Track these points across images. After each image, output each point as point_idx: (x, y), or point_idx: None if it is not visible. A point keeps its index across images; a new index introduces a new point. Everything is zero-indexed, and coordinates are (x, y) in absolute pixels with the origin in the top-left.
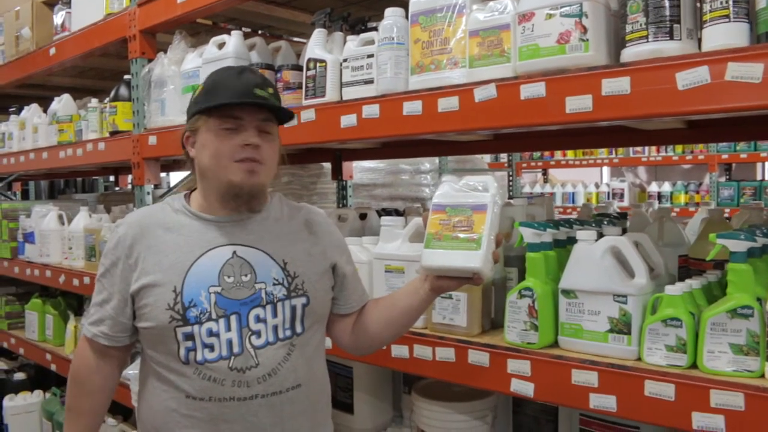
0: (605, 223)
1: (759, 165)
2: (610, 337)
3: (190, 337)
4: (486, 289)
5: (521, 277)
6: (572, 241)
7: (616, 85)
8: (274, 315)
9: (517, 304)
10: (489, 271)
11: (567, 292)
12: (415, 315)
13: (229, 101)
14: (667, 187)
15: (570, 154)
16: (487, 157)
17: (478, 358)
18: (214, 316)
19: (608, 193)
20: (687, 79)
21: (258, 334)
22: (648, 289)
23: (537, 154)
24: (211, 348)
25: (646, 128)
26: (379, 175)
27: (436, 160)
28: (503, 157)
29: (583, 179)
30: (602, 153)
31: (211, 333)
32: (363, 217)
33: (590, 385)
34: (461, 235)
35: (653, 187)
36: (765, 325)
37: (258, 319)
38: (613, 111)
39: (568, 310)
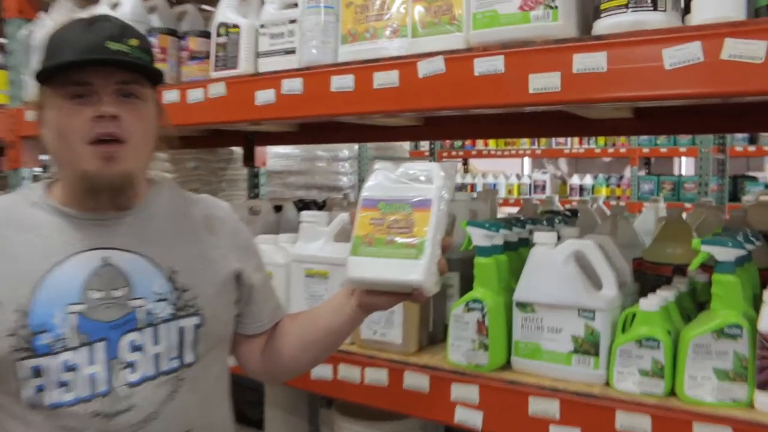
0: (557, 221)
1: (677, 160)
2: (574, 359)
3: (38, 372)
4: None
5: (464, 285)
6: (524, 244)
7: (591, 62)
8: (156, 341)
9: (463, 319)
10: (433, 285)
11: (523, 305)
12: (339, 336)
13: (70, 60)
14: (588, 179)
15: (492, 143)
16: (406, 145)
17: (415, 381)
18: (73, 344)
19: (530, 185)
20: (676, 56)
21: (132, 366)
22: (618, 302)
23: (458, 143)
24: (68, 387)
25: (590, 116)
26: (294, 162)
27: (356, 147)
28: (424, 145)
29: (504, 170)
30: (524, 143)
31: (68, 367)
32: (278, 209)
33: (550, 417)
34: (399, 240)
35: (575, 180)
36: (754, 347)
37: (133, 347)
38: (585, 91)
39: (524, 327)
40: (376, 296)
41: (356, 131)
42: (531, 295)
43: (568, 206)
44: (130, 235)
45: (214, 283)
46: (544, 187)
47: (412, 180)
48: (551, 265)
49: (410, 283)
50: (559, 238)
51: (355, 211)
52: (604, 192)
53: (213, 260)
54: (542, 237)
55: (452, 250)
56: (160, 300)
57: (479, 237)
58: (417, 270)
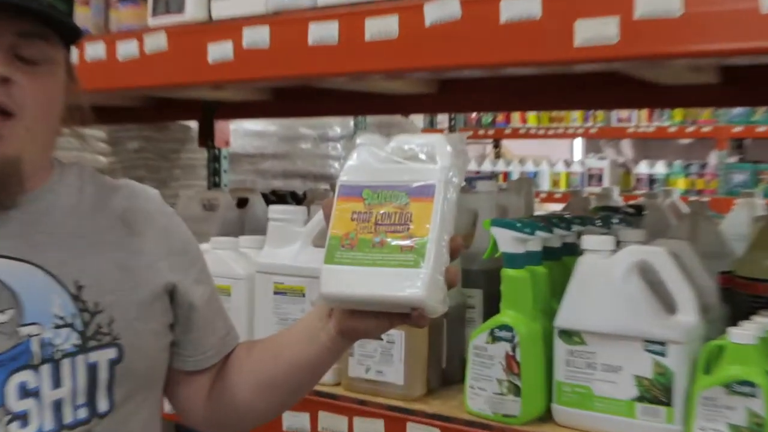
0: (616, 221)
1: None
2: (639, 408)
3: None
4: (435, 324)
5: (488, 306)
6: (569, 251)
7: (660, 2)
8: (57, 383)
9: (487, 352)
10: (439, 303)
11: (568, 335)
12: (313, 374)
13: None
14: (660, 167)
15: (532, 119)
16: (418, 120)
17: None
18: None
19: (582, 174)
20: None
21: (24, 419)
22: (698, 331)
23: (487, 119)
24: None
25: (661, 81)
26: (270, 143)
27: (351, 123)
28: (442, 120)
29: (549, 155)
30: (574, 119)
31: None
32: (242, 203)
33: None
34: (391, 241)
35: (642, 168)
36: None
37: (24, 392)
38: (652, 43)
39: (569, 364)
40: (362, 319)
41: (348, 100)
42: (579, 320)
43: (632, 202)
44: (18, 238)
45: (136, 303)
46: (600, 178)
47: (408, 158)
48: (607, 279)
49: (408, 301)
50: (618, 243)
51: (330, 201)
52: (681, 184)
53: (135, 270)
54: (594, 242)
55: (473, 260)
56: (61, 326)
57: (509, 241)
58: (417, 282)
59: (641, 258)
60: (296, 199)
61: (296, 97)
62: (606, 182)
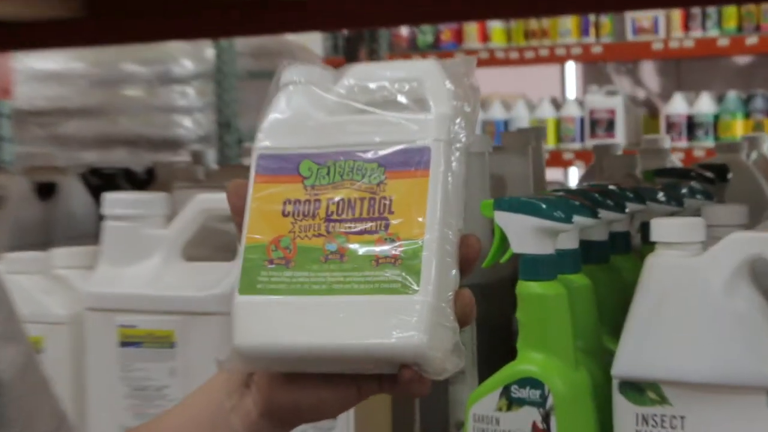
0: (691, 194)
1: None
2: None
3: None
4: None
5: (493, 348)
6: (622, 244)
7: None
8: None
9: (499, 426)
10: (448, 354)
11: (637, 389)
12: None
13: None
14: (706, 103)
15: (497, 36)
16: (314, 43)
17: None
18: None
19: (581, 120)
20: None
21: None
22: None
23: (425, 37)
24: None
25: None
26: (73, 91)
27: (208, 52)
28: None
29: (526, 91)
30: (566, 33)
31: None
32: (45, 191)
33: None
34: (357, 248)
35: (677, 105)
36: None
37: None
38: None
39: None
40: (308, 389)
41: (200, 13)
42: (654, 364)
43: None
44: None
45: None
46: (611, 125)
47: (378, 103)
48: (699, 292)
49: (396, 353)
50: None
51: (240, 184)
52: (739, 128)
53: None
54: (674, 230)
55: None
56: None
57: (528, 235)
58: (410, 318)
59: (755, 252)
60: (134, 181)
61: (119, 10)
62: (619, 131)
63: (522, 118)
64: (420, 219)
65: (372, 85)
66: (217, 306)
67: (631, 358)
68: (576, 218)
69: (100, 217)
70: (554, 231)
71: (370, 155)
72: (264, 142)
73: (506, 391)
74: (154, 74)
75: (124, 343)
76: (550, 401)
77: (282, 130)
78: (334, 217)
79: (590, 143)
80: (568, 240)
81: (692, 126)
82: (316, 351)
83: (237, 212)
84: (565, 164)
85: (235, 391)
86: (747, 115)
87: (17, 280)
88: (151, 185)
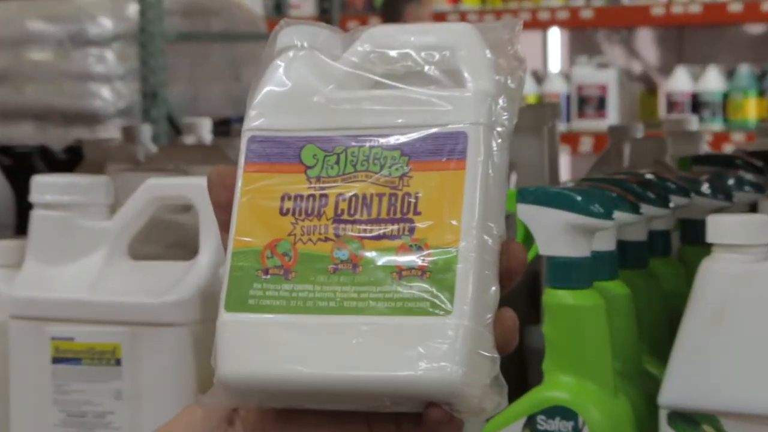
0: (734, 183)
1: None
2: None
3: None
4: None
5: (510, 366)
6: (659, 245)
7: None
8: None
9: None
10: (487, 390)
11: (689, 420)
12: None
13: None
14: (714, 79)
15: None
16: (256, 3)
17: None
18: None
19: (567, 96)
20: None
21: None
22: None
23: None
24: None
25: None
26: None
27: (131, 9)
28: (301, 4)
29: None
30: None
31: None
32: None
33: None
34: (376, 257)
35: (679, 81)
36: None
37: None
38: None
39: None
40: (307, 427)
41: None
42: (710, 392)
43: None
44: None
45: None
46: (602, 102)
47: (401, 75)
48: (766, 305)
49: (424, 389)
50: None
51: (226, 172)
52: (752, 109)
53: None
54: (735, 230)
55: None
56: None
57: (559, 234)
58: (442, 347)
59: None
60: (52, 161)
61: None
62: (612, 110)
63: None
64: (453, 222)
65: (393, 53)
66: (173, 315)
67: (682, 384)
68: (618, 214)
69: (20, 204)
70: (592, 229)
71: (390, 141)
72: (256, 121)
73: (531, 422)
74: (66, 34)
75: (58, 359)
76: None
77: (279, 106)
78: (345, 217)
79: (578, 124)
80: (605, 240)
81: (697, 105)
82: (322, 384)
83: (221, 207)
84: None
85: (216, 428)
86: (761, 93)
87: None
88: (78, 167)
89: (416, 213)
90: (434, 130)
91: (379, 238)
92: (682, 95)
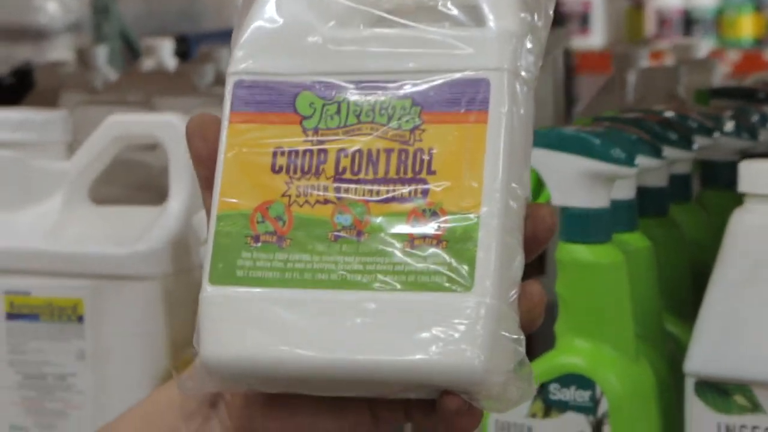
0: (758, 120)
1: None
2: None
3: None
4: None
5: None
6: (679, 188)
7: None
8: None
9: None
10: (512, 377)
11: (719, 390)
12: None
13: None
14: None
15: None
16: None
17: None
18: None
19: None
20: None
21: None
22: None
23: None
24: None
25: None
26: None
27: None
28: None
29: None
30: None
31: None
32: None
33: None
34: (384, 223)
35: None
36: None
37: None
38: None
39: None
40: (301, 414)
41: None
42: (743, 358)
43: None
44: None
45: None
46: (585, 19)
47: (412, 11)
48: None
49: (441, 375)
50: None
51: (205, 121)
52: (748, 25)
53: None
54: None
55: None
56: None
57: (574, 182)
58: (462, 329)
59: None
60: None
61: None
62: (596, 27)
63: None
64: (474, 184)
65: None
66: (142, 267)
67: (712, 350)
68: (641, 159)
69: None
70: (612, 177)
71: (400, 88)
72: (243, 63)
73: (542, 391)
74: None
75: (13, 315)
76: (603, 405)
77: (271, 46)
78: (348, 176)
79: None
80: (624, 188)
81: (688, 23)
82: (322, 370)
83: (201, 162)
84: None
85: (196, 412)
86: (757, 8)
87: None
88: (27, 95)
89: (430, 172)
90: (451, 76)
91: (387, 201)
92: (671, 12)
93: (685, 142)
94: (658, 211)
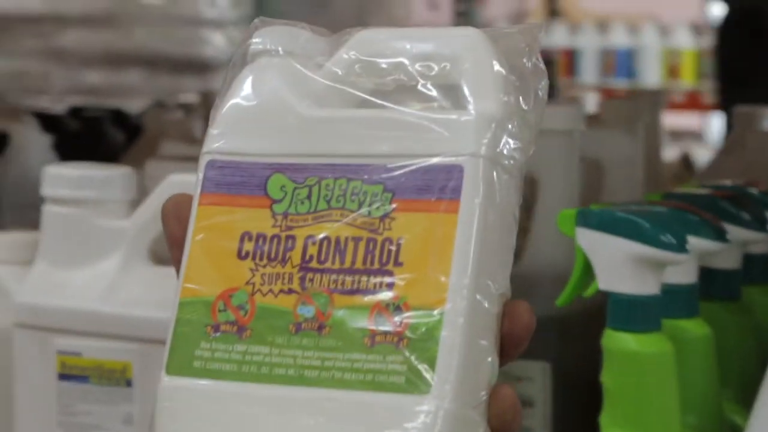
0: None
1: None
2: None
3: None
4: None
5: (570, 404)
6: (756, 269)
7: None
8: None
9: None
10: None
11: None
12: None
13: None
14: None
15: None
16: None
17: None
18: None
19: None
20: None
21: None
22: None
23: None
24: None
25: None
26: None
27: None
28: None
29: (656, 11)
30: None
31: None
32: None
33: None
34: (346, 316)
35: None
36: None
37: None
38: None
39: None
40: None
41: None
42: None
43: None
44: None
45: None
46: None
47: (390, 91)
48: None
49: None
50: None
51: (181, 203)
52: None
53: None
54: None
55: (527, 287)
56: None
57: (619, 266)
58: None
59: None
60: (127, 127)
61: None
62: None
63: (651, 47)
64: (441, 278)
65: (383, 63)
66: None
67: None
68: (694, 242)
69: None
70: (661, 263)
71: (373, 173)
72: (217, 142)
73: None
74: None
75: (65, 376)
76: None
77: (244, 125)
78: (314, 264)
79: None
80: (682, 272)
81: None
82: None
83: (176, 244)
84: (706, 109)
85: None
86: None
87: None
88: (139, 143)
89: (397, 264)
90: (425, 161)
91: (351, 293)
92: None
93: (759, 224)
94: (728, 295)
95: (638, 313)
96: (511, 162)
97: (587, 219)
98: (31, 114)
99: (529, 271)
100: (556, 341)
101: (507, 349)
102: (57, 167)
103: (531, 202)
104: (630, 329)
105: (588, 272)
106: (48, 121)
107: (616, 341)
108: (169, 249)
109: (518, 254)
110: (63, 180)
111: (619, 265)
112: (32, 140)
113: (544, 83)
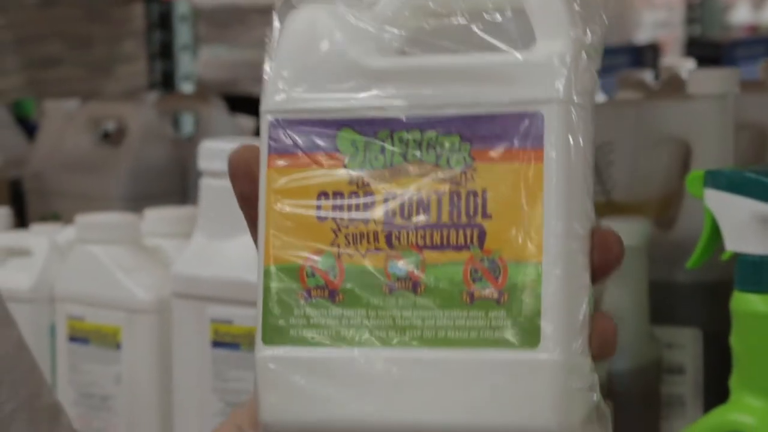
0: None
1: None
2: None
3: None
4: None
5: (724, 368)
6: None
7: None
8: None
9: None
10: (587, 427)
11: None
12: None
13: None
14: None
15: None
16: None
17: None
18: None
19: None
20: None
21: None
22: None
23: None
24: None
25: None
26: None
27: None
28: None
29: None
30: None
31: None
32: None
33: None
34: (439, 273)
35: None
36: None
37: None
38: None
39: None
40: None
41: None
42: None
43: None
44: None
45: None
46: None
47: (453, 36)
48: None
49: None
50: None
51: (246, 155)
52: None
53: None
54: None
55: (678, 253)
56: None
57: (746, 227)
58: (530, 391)
59: None
60: None
61: None
62: None
63: None
64: (533, 229)
65: (436, 4)
66: None
67: None
68: None
69: None
70: None
71: (447, 123)
72: (276, 98)
73: None
74: None
75: (218, 343)
76: None
77: (304, 78)
78: (398, 221)
79: None
80: None
81: None
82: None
83: (247, 201)
84: None
85: None
86: None
87: (93, 251)
88: None
89: (485, 216)
90: (500, 109)
91: (442, 248)
92: None
93: None
94: None
95: (766, 274)
96: (585, 97)
97: (715, 180)
98: (219, 96)
99: (680, 237)
100: (707, 308)
101: (596, 277)
102: (212, 141)
103: (683, 169)
104: (758, 290)
105: (717, 234)
106: (235, 103)
107: (744, 303)
108: (240, 207)
109: (670, 222)
110: (218, 154)
111: (745, 225)
112: (220, 121)
113: (606, 10)
